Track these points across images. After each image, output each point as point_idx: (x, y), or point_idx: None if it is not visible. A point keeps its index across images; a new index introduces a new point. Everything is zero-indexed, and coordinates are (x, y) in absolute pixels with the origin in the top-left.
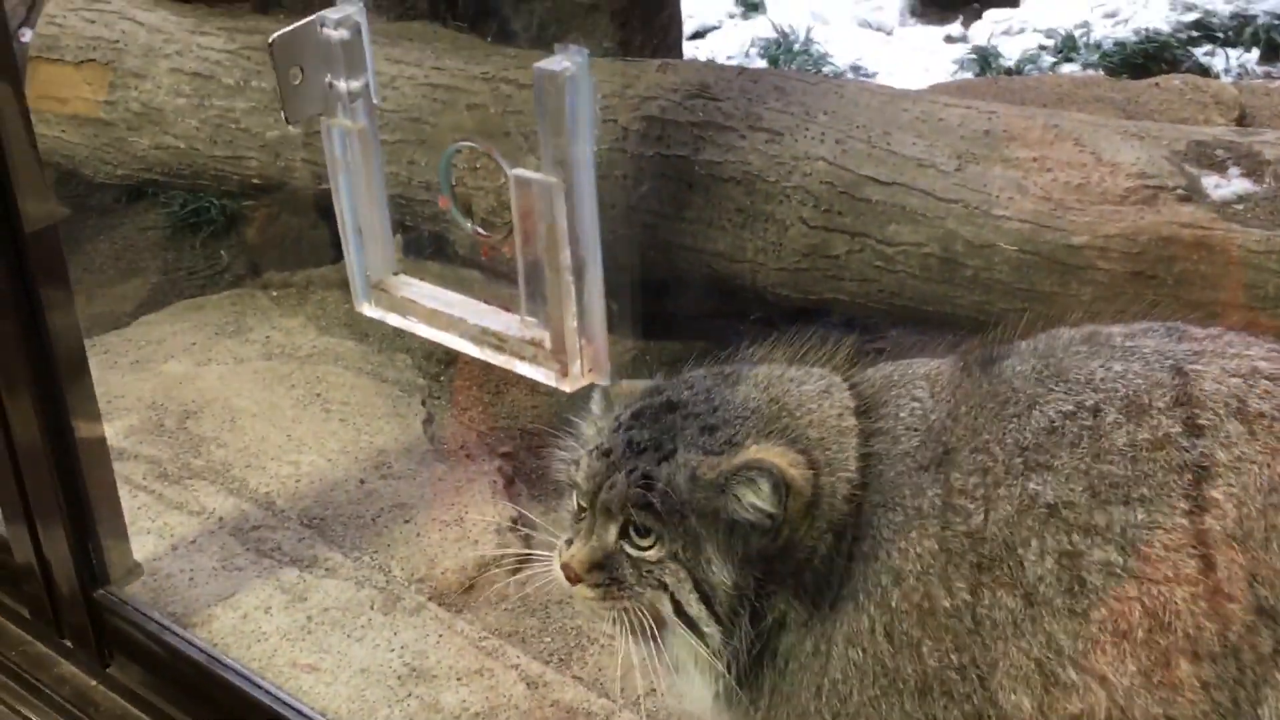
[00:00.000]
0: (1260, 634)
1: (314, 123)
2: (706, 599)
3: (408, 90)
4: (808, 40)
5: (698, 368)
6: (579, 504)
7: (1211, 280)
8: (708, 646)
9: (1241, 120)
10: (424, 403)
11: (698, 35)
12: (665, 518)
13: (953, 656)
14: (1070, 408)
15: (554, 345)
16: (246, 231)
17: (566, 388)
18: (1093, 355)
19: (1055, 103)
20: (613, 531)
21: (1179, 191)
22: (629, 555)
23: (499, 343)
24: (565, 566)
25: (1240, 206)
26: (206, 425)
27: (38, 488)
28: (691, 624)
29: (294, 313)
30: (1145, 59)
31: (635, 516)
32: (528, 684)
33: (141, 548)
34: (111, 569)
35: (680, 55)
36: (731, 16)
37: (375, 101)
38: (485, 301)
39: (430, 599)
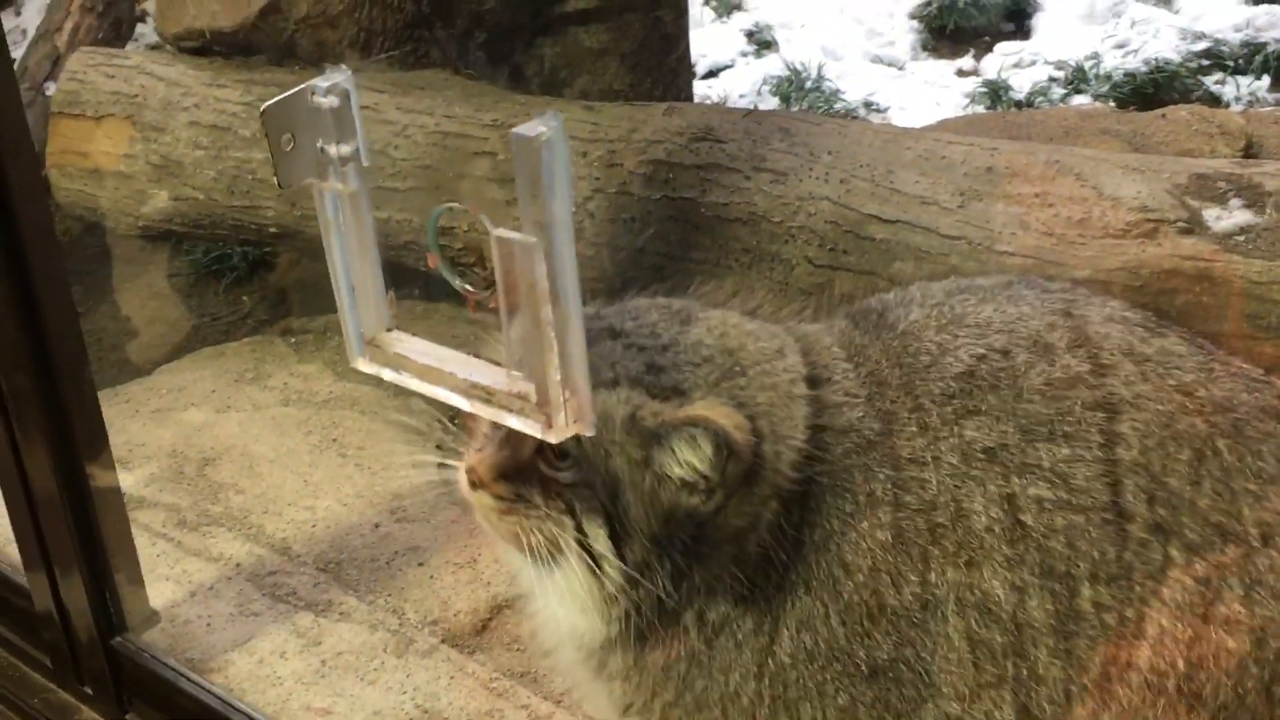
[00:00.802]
0: (1152, 549)
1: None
2: (616, 538)
3: (419, 139)
4: (819, 77)
5: (640, 296)
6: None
7: (1214, 311)
8: (603, 588)
9: (1249, 150)
10: (439, 446)
11: (710, 74)
12: (590, 447)
13: (907, 647)
14: (981, 351)
15: (539, 398)
16: (269, 277)
17: (552, 439)
18: (982, 301)
19: (1062, 136)
20: (529, 445)
21: (1180, 224)
22: (541, 473)
23: (487, 396)
24: (470, 470)
25: (1242, 238)
26: (225, 472)
27: (55, 536)
28: (593, 559)
29: (312, 359)
30: (1155, 89)
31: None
32: None
33: (160, 594)
34: (129, 616)
35: (690, 96)
36: (744, 55)
37: (364, 164)
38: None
39: (443, 641)
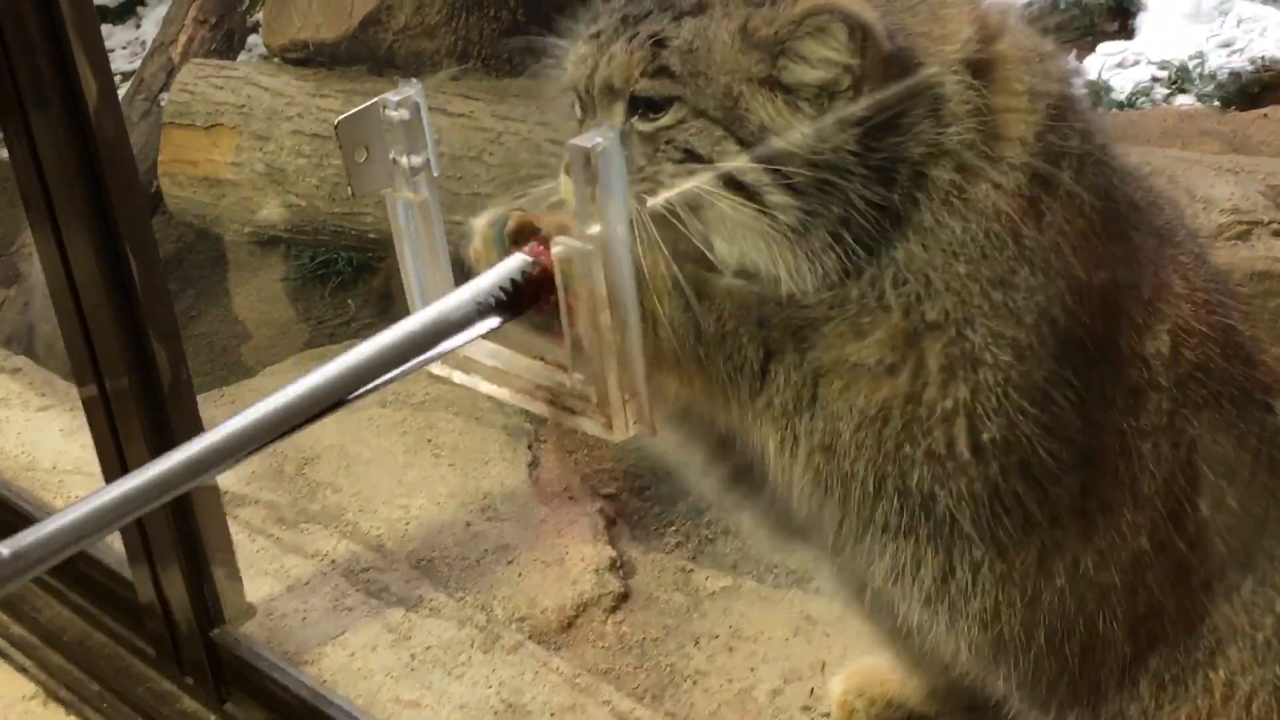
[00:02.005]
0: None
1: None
2: (768, 160)
3: (512, 145)
4: None
5: None
6: (577, 103)
7: None
8: (778, 222)
9: None
10: (530, 446)
11: None
12: (688, 80)
13: None
14: None
15: (599, 400)
16: (372, 281)
17: (614, 439)
18: None
19: (1160, 137)
20: (618, 112)
21: (1274, 226)
22: (639, 132)
23: (551, 398)
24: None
25: None
26: (323, 471)
27: (156, 531)
28: (749, 194)
29: None
30: (1262, 88)
31: (644, 88)
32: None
33: (259, 589)
34: (226, 609)
35: None
36: None
37: (435, 174)
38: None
39: (529, 637)
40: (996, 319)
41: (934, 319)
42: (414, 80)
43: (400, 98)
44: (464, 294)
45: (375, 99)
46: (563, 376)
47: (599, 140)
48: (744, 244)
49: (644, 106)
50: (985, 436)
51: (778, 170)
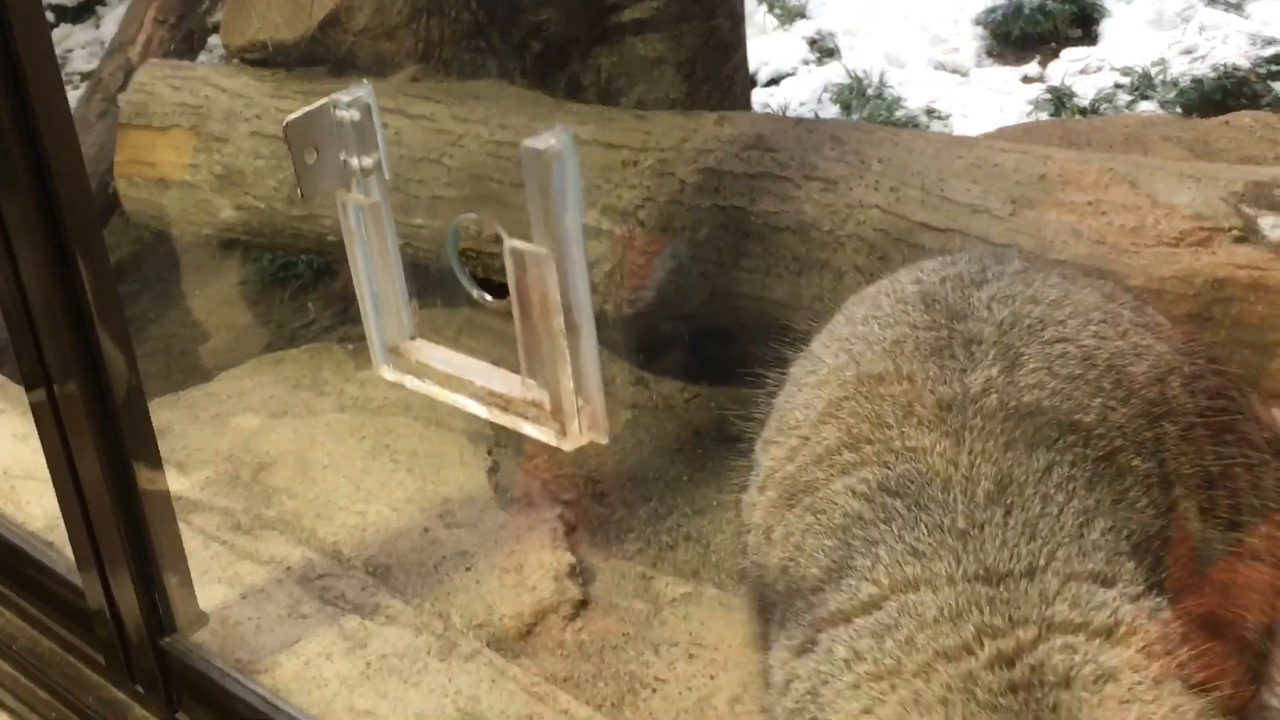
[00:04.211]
0: None
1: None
2: None
3: (473, 148)
4: (881, 84)
5: None
6: None
7: (1269, 321)
8: None
9: None
10: (489, 452)
11: (773, 82)
12: None
13: None
14: None
15: (553, 406)
16: (333, 284)
17: (566, 447)
18: None
19: (1122, 144)
20: None
21: (1235, 233)
22: None
23: (504, 404)
24: None
25: None
26: (279, 477)
27: (106, 537)
28: None
29: (368, 365)
30: (1224, 95)
31: None
32: None
33: (213, 596)
34: (178, 617)
35: (748, 104)
36: (806, 63)
37: (386, 176)
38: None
39: (487, 645)
40: None
41: None
42: (364, 81)
43: (350, 98)
44: None
45: (325, 99)
46: (515, 382)
47: (552, 142)
48: None
49: None
50: None
51: None
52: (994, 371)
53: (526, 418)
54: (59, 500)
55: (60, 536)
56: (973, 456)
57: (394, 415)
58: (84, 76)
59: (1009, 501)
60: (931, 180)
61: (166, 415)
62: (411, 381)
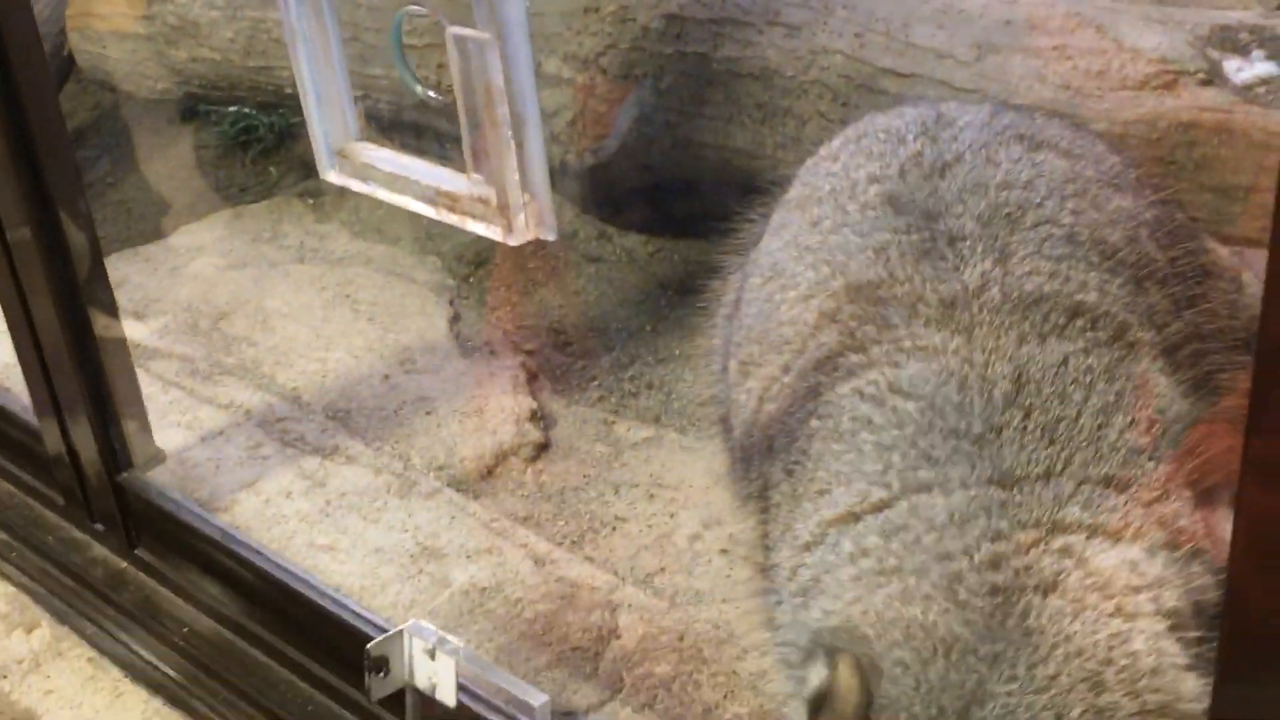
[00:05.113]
0: None
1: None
2: None
3: None
4: None
5: None
6: None
7: (1232, 164)
8: None
9: None
10: (451, 302)
11: None
12: None
13: None
14: None
15: (499, 201)
16: (295, 148)
17: (512, 242)
18: None
19: None
20: None
21: (1200, 76)
22: None
23: (451, 202)
24: None
25: (1262, 90)
26: (239, 326)
27: (63, 382)
28: None
29: (328, 218)
30: None
31: None
32: (535, 561)
33: (172, 439)
34: (135, 455)
35: None
36: None
37: None
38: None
39: (447, 485)
40: None
41: None
42: None
43: None
44: None
45: None
46: (463, 180)
47: None
48: None
49: None
50: None
51: None
52: (988, 264)
53: (473, 215)
54: (15, 346)
55: (17, 382)
56: (986, 354)
57: (355, 266)
58: None
59: (1027, 403)
60: (896, 25)
61: (124, 268)
62: (357, 184)
